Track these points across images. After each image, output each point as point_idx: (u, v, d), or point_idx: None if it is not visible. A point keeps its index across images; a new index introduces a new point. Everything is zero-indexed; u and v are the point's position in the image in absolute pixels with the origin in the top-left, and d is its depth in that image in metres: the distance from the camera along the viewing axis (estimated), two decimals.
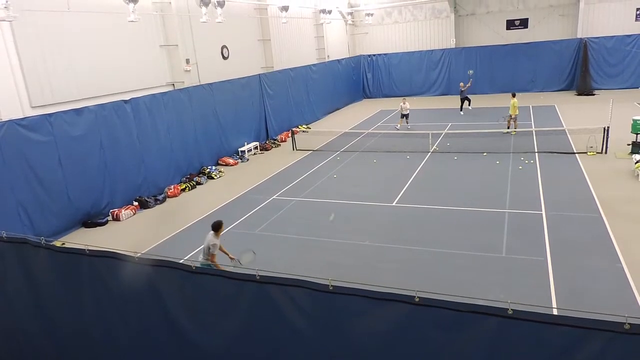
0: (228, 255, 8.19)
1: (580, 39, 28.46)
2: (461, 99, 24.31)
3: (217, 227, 8.04)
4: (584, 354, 3.02)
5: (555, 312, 6.88)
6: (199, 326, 4.59)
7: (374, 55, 34.00)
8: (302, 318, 4.00)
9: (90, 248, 4.93)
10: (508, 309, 3.20)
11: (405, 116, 22.09)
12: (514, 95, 19.65)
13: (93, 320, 5.21)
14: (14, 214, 10.81)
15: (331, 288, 3.76)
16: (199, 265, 7.87)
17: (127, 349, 5.11)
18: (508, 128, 19.26)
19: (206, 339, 4.58)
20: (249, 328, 4.33)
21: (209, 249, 7.91)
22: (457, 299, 3.43)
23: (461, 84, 24.54)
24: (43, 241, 5.21)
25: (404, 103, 22.11)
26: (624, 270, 8.19)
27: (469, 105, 24.45)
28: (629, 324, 2.89)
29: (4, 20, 10.34)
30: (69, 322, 5.39)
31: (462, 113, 24.26)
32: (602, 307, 6.86)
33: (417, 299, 3.47)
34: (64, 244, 6.00)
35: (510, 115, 19.10)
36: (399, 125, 22.32)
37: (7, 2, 9.56)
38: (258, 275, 4.07)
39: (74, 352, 5.51)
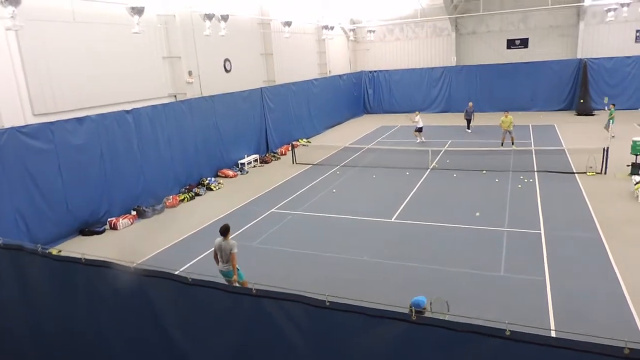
0: (235, 269, 8.08)
1: (580, 59, 28.74)
2: (468, 119, 24.46)
3: (225, 231, 8.05)
4: None
5: (553, 334, 6.82)
6: (193, 339, 4.53)
7: (375, 71, 34.28)
8: (297, 333, 3.95)
9: (87, 257, 4.89)
10: (506, 330, 3.16)
11: (417, 129, 22.34)
12: (506, 114, 20.07)
13: (86, 329, 5.15)
14: (11, 220, 10.77)
15: (328, 304, 3.72)
16: (223, 272, 7.99)
17: (119, 359, 5.04)
18: (502, 144, 19.95)
19: (200, 352, 4.53)
20: (243, 342, 4.28)
21: (229, 252, 7.90)
22: (455, 318, 3.40)
23: (470, 103, 24.69)
24: (39, 248, 5.17)
25: (416, 116, 22.42)
26: (622, 292, 8.14)
27: (469, 127, 24.58)
28: (628, 348, 2.85)
29: (10, 29, 10.43)
30: (62, 330, 5.33)
31: (469, 131, 24.37)
32: (600, 330, 6.79)
33: (414, 317, 3.44)
34: (60, 251, 5.96)
35: (506, 131, 19.91)
36: (423, 139, 22.46)
37: (13, 11, 9.64)
38: (254, 289, 4.04)
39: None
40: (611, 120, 20.22)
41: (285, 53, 25.02)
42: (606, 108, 22.21)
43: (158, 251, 11.13)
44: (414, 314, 3.43)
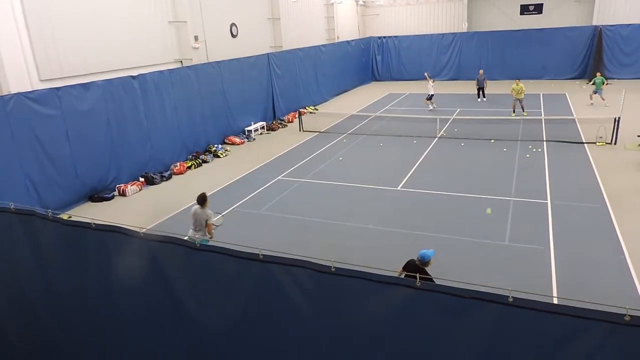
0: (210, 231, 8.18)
1: (595, 26, 27.92)
2: (480, 87, 24.00)
3: (203, 200, 8.05)
4: (584, 345, 3.03)
5: (555, 301, 6.91)
6: (202, 303, 4.64)
7: (384, 37, 33.57)
8: (304, 298, 4.03)
9: (97, 222, 4.97)
10: (509, 297, 3.21)
11: (428, 97, 22.22)
12: (517, 81, 19.78)
13: (96, 293, 5.28)
14: (22, 187, 10.90)
15: (333, 270, 3.78)
16: (190, 240, 8.01)
17: (129, 323, 5.18)
18: (514, 112, 19.76)
19: (209, 316, 4.64)
20: (251, 306, 4.38)
21: (205, 221, 7.96)
22: (459, 285, 3.45)
23: (480, 71, 24.19)
24: (50, 214, 5.26)
25: (430, 82, 22.34)
26: (626, 262, 8.19)
27: (482, 97, 24.11)
28: (629, 315, 2.89)
29: None
30: (72, 292, 5.47)
31: (479, 100, 23.92)
32: (603, 298, 6.87)
33: (418, 284, 3.49)
34: (70, 217, 6.06)
35: (517, 99, 19.62)
36: (434, 105, 22.45)
37: None
38: (261, 254, 4.10)
39: (75, 324, 5.60)
40: (599, 91, 20.00)
41: (293, 18, 24.51)
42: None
43: (167, 217, 11.28)
44: (418, 279, 3.48)
